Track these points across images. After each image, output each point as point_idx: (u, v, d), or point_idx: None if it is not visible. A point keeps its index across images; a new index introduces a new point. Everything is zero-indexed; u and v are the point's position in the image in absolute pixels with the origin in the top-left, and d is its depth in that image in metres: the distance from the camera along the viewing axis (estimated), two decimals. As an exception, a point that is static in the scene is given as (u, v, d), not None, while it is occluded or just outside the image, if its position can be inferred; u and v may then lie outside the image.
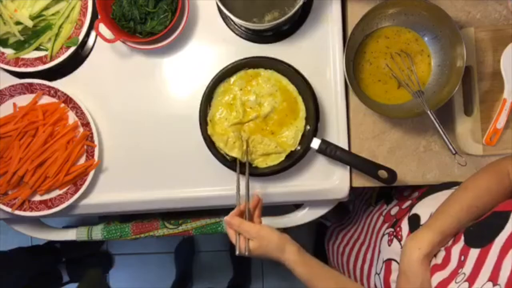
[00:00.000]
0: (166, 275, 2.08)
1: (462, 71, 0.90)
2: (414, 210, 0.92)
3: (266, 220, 1.07)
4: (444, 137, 0.93)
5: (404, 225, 0.91)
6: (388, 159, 1.03)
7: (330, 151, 0.97)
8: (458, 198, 0.79)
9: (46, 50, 1.03)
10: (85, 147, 1.03)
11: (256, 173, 1.00)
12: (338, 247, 1.24)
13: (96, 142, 1.03)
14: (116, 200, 1.06)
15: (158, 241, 2.10)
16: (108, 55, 1.05)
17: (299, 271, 0.83)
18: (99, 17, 0.97)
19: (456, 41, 0.91)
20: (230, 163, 0.99)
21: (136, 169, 1.06)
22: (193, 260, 2.10)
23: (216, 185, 1.05)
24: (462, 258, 0.69)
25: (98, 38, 1.03)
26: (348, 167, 1.04)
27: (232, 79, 1.00)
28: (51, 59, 1.02)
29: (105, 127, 1.06)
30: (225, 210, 0.93)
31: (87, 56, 1.06)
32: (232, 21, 1.03)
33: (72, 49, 1.02)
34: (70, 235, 1.18)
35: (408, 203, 1.00)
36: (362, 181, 1.04)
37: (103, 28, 0.99)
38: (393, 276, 0.87)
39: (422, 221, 0.87)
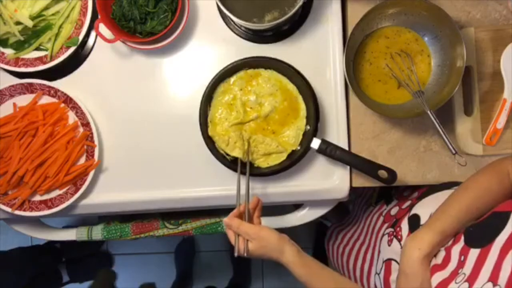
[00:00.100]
0: (166, 275, 2.08)
1: (462, 71, 0.90)
2: (414, 210, 0.92)
3: (265, 220, 1.07)
4: (444, 137, 0.93)
5: (404, 225, 0.91)
6: (388, 159, 1.03)
7: (330, 151, 0.97)
8: (458, 198, 0.79)
9: (46, 50, 1.03)
10: (85, 147, 1.03)
11: (256, 173, 1.00)
12: (338, 247, 1.24)
13: (96, 142, 1.03)
14: (116, 200, 1.06)
15: (158, 241, 2.10)
16: (108, 55, 1.05)
17: (298, 272, 0.83)
18: (99, 17, 0.97)
19: (456, 41, 0.91)
20: (230, 163, 0.99)
21: (136, 169, 1.06)
22: (193, 260, 2.10)
23: (216, 185, 1.05)
24: (462, 258, 0.69)
25: (98, 38, 1.03)
26: (348, 167, 1.04)
27: (232, 79, 1.00)
28: (51, 59, 1.02)
29: (105, 127, 1.06)
30: (225, 210, 0.94)
31: (87, 56, 1.06)
32: (232, 21, 1.03)
33: (72, 49, 1.02)
34: (70, 235, 1.17)
35: (408, 203, 1.00)
36: (362, 181, 1.04)
37: (103, 28, 0.99)
38: (393, 276, 0.87)
39: (422, 221, 0.87)
